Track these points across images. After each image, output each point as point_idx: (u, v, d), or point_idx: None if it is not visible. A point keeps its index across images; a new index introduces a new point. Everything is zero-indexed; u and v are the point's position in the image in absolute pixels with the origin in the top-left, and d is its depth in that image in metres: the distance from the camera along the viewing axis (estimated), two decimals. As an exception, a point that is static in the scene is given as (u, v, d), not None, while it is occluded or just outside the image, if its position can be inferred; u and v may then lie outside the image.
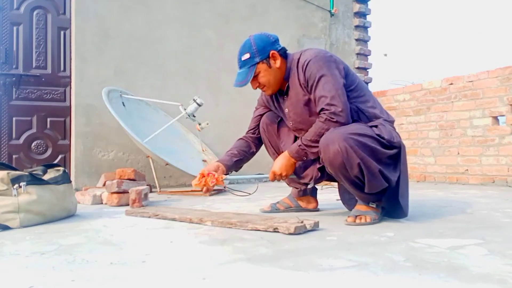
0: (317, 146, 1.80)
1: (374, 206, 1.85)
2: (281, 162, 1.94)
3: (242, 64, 1.93)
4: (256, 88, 2.00)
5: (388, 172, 1.78)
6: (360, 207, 1.87)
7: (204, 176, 1.94)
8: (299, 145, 1.88)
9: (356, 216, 1.81)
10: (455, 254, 1.23)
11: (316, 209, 2.23)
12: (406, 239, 1.45)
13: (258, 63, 1.91)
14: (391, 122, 1.93)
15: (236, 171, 2.23)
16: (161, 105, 3.85)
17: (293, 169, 1.97)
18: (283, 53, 1.95)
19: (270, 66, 1.92)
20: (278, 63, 1.92)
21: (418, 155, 4.49)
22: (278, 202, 2.27)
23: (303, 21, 4.88)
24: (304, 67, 1.87)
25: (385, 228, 1.69)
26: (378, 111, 1.92)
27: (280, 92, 2.04)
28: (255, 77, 1.94)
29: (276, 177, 1.98)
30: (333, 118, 1.78)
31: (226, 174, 2.08)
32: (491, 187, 3.66)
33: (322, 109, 1.82)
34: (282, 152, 2.03)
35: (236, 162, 2.16)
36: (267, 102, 2.18)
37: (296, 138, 2.09)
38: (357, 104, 1.89)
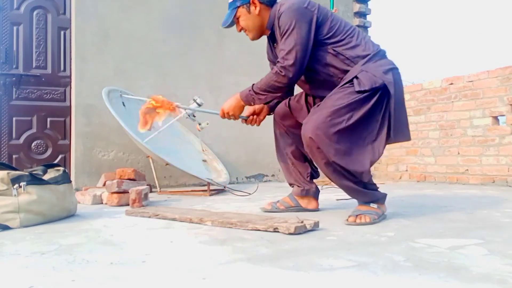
0: (265, 95, 1.95)
1: (375, 206, 1.86)
2: (231, 102, 2.07)
3: (229, 5, 2.05)
4: (240, 31, 2.08)
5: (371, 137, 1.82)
6: (360, 207, 1.88)
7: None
8: (249, 90, 1.99)
9: (357, 216, 1.81)
10: (455, 254, 1.23)
11: (316, 210, 2.23)
12: (406, 239, 1.45)
13: (238, 7, 2.01)
14: (377, 57, 1.91)
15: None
16: (161, 105, 3.85)
17: (241, 111, 2.09)
18: (267, 1, 2.01)
19: (249, 12, 2.00)
20: (257, 10, 2.00)
21: (418, 155, 4.49)
22: (278, 201, 2.27)
23: (303, 21, 4.86)
24: (278, 18, 1.93)
25: (385, 228, 1.69)
26: (361, 48, 1.92)
27: (273, 40, 2.09)
28: (238, 20, 2.04)
29: (225, 115, 2.11)
30: (281, 72, 1.87)
31: (269, 114, 2.23)
32: (491, 187, 3.66)
33: (278, 61, 1.90)
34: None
35: (275, 103, 2.24)
36: (267, 53, 2.24)
37: (308, 109, 2.11)
38: (335, 48, 1.92)
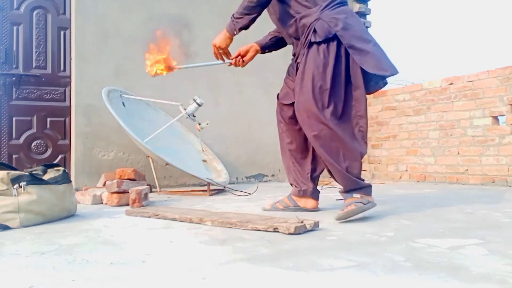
0: (241, 17, 2.05)
1: (358, 196, 1.93)
2: (219, 36, 2.16)
3: None
4: None
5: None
6: (346, 201, 1.95)
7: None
8: (231, 18, 2.09)
9: (343, 209, 1.87)
10: (455, 254, 1.23)
11: (315, 210, 2.24)
12: (406, 239, 1.45)
13: None
14: (335, 3, 2.01)
15: (276, 49, 2.42)
16: (161, 105, 3.85)
17: (227, 43, 2.16)
18: None
19: None
20: None
21: (418, 155, 4.49)
22: (278, 201, 2.29)
23: (303, 21, 4.87)
24: None
25: (385, 228, 1.69)
26: None
27: None
28: None
29: (216, 50, 2.17)
30: None
31: (263, 52, 2.36)
32: (491, 187, 3.66)
33: None
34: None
35: (271, 39, 2.36)
36: None
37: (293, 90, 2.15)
38: None
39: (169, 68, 2.44)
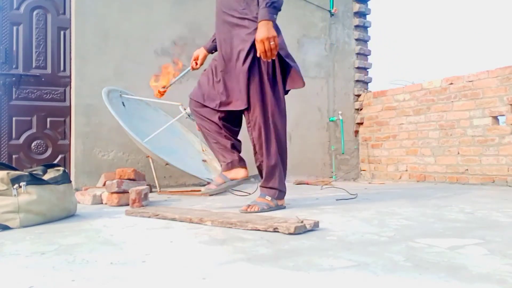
0: None
1: (269, 199, 2.20)
2: (264, 30, 2.01)
3: None
4: None
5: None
6: (257, 199, 2.22)
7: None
8: (265, 7, 2.02)
9: (249, 206, 2.15)
10: (455, 254, 1.23)
11: (247, 178, 2.38)
12: (406, 239, 1.45)
13: None
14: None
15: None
16: (161, 105, 3.85)
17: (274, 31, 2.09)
18: None
19: None
20: None
21: (418, 155, 4.49)
22: (210, 183, 2.47)
23: (303, 21, 4.87)
24: None
25: (385, 228, 1.69)
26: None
27: None
28: None
29: (270, 42, 2.02)
30: None
31: (210, 52, 2.58)
32: (491, 187, 3.66)
33: None
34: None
35: (214, 41, 2.54)
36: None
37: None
38: None
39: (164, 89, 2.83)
